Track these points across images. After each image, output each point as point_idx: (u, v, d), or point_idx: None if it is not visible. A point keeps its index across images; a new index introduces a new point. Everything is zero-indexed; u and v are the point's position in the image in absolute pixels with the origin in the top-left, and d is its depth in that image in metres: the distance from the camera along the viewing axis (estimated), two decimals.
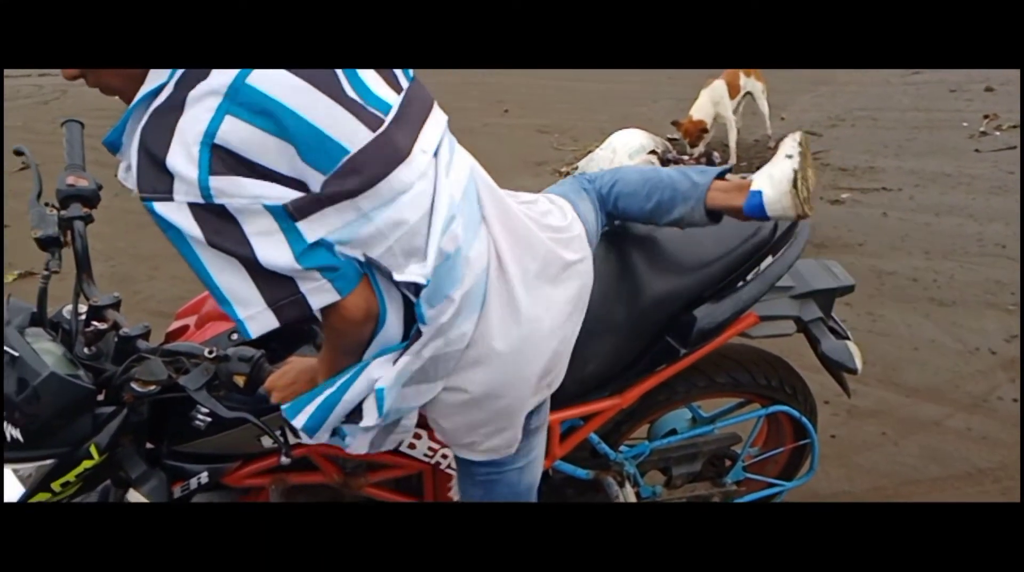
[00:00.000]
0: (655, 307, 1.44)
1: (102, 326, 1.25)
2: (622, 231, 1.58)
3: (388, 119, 0.97)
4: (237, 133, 0.86)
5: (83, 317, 1.28)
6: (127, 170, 0.92)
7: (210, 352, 1.14)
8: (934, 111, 5.92)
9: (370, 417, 1.08)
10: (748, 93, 5.47)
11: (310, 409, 1.07)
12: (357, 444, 1.15)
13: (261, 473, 1.40)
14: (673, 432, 1.75)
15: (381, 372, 1.06)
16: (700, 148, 5.19)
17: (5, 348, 1.17)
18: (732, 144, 5.29)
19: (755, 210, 1.34)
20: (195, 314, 1.40)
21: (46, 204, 1.31)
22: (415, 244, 1.00)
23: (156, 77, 0.90)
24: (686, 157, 5.20)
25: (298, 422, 1.08)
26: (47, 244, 1.25)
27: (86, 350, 1.24)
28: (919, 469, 2.35)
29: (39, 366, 1.15)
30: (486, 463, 1.27)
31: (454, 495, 1.48)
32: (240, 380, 1.13)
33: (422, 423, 1.41)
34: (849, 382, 1.76)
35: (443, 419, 1.21)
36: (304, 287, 0.92)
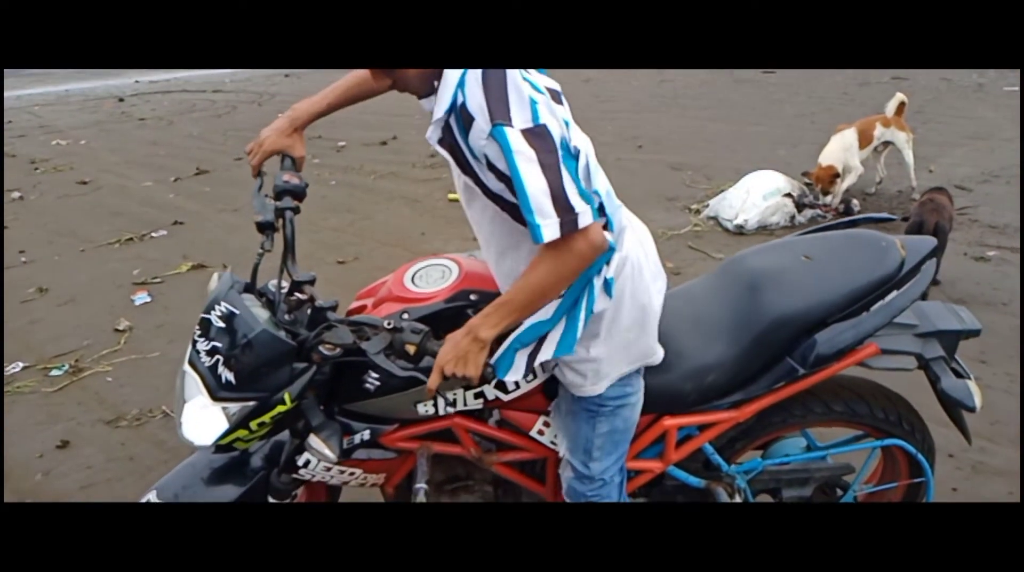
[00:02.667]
0: (777, 327, 1.56)
1: (301, 297, 1.51)
2: (749, 256, 1.71)
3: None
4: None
5: (284, 290, 1.54)
6: (434, 130, 1.31)
7: (388, 324, 1.37)
8: None
9: (603, 302, 1.41)
10: (889, 143, 5.38)
11: (577, 332, 1.38)
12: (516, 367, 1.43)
13: (412, 438, 1.62)
14: (786, 457, 1.83)
15: (599, 278, 1.37)
16: (837, 197, 5.13)
17: (228, 306, 1.45)
18: (843, 186, 5.19)
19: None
20: (371, 297, 1.65)
21: (266, 196, 1.59)
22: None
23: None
24: (821, 203, 5.16)
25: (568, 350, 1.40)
26: (264, 228, 1.52)
27: (286, 316, 1.50)
28: None
29: (254, 323, 1.43)
30: (613, 396, 1.51)
31: (564, 494, 1.64)
32: (411, 349, 1.36)
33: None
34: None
35: (602, 342, 1.47)
36: (578, 209, 1.20)
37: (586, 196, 1.24)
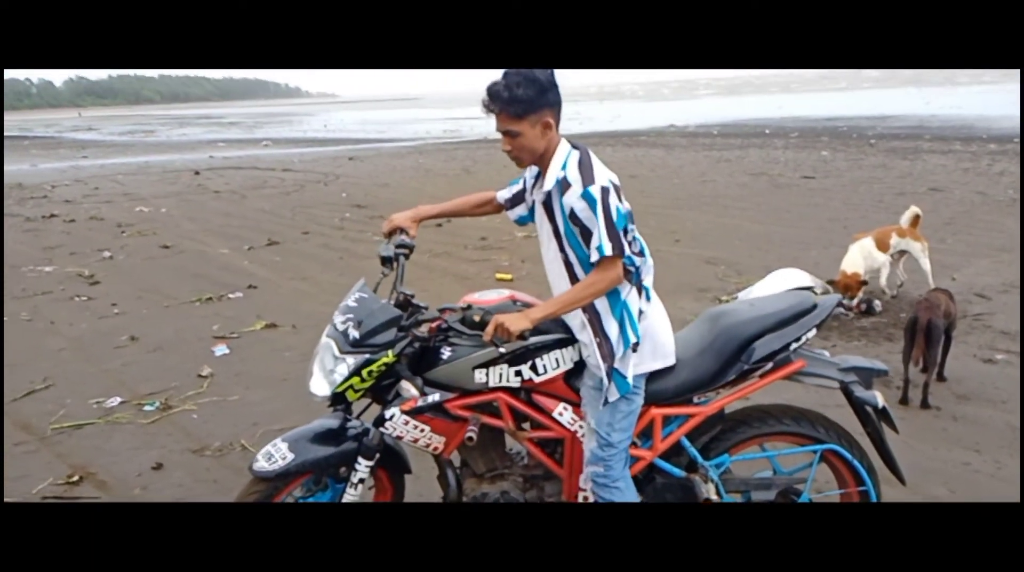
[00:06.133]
0: (729, 339, 2.33)
1: (406, 298, 2.33)
2: (714, 308, 2.52)
3: None
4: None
5: (394, 301, 2.35)
6: (542, 195, 2.19)
7: (463, 306, 2.24)
8: None
9: (639, 304, 2.23)
10: (904, 252, 5.91)
11: (632, 360, 2.21)
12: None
13: (468, 407, 2.33)
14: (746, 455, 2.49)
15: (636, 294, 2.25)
16: (859, 296, 5.60)
17: (360, 293, 2.30)
18: (882, 281, 5.73)
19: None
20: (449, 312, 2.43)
21: (390, 245, 2.43)
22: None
23: (564, 149, 2.15)
24: (845, 302, 5.58)
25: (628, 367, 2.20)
26: (385, 261, 2.36)
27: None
28: None
29: (376, 301, 2.27)
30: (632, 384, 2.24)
31: (585, 462, 2.29)
32: (476, 317, 2.21)
33: (569, 399, 2.33)
34: None
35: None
36: (624, 242, 2.08)
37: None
